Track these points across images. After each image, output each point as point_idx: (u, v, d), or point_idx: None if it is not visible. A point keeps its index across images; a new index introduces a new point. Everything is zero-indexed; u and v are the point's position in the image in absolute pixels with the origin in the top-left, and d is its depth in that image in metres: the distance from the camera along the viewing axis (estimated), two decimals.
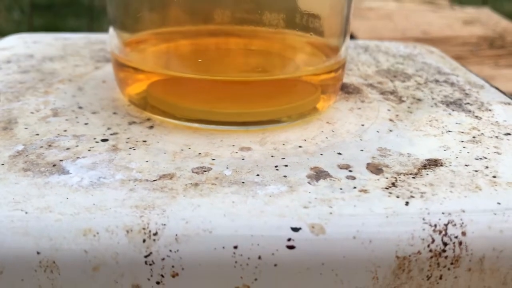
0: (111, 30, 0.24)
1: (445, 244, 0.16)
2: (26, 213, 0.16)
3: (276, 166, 0.19)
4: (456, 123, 0.23)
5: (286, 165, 0.19)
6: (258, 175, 0.18)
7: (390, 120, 0.23)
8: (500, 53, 0.80)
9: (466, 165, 0.19)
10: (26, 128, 0.21)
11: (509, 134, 0.22)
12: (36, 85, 0.26)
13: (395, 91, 0.27)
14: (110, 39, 0.24)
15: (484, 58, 0.79)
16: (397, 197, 0.17)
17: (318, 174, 0.18)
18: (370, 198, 0.17)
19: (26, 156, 0.19)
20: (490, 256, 0.16)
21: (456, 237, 0.16)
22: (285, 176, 0.18)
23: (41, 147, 0.20)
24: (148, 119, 0.23)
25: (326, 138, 0.21)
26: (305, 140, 0.21)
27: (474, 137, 0.22)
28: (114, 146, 0.20)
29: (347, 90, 0.27)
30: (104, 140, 0.20)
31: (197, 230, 0.15)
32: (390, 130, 0.22)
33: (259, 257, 0.15)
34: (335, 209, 0.16)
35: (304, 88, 0.23)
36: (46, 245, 0.15)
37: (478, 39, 0.81)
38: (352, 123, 0.23)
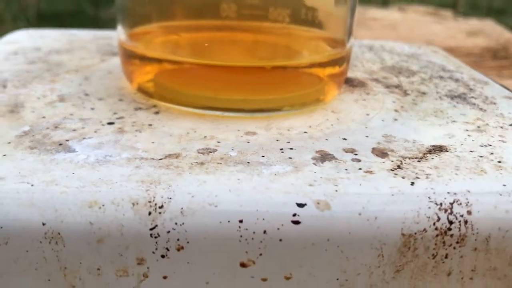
0: (119, 20, 0.24)
1: (450, 222, 0.16)
2: (32, 185, 0.16)
3: (281, 149, 0.19)
4: (461, 114, 0.23)
5: (291, 148, 0.19)
6: (263, 156, 0.18)
7: (395, 110, 0.23)
8: (503, 64, 0.81)
9: (471, 151, 0.19)
10: (32, 112, 0.21)
11: None
12: (42, 74, 0.26)
13: (399, 85, 0.27)
14: (118, 29, 0.24)
15: (487, 69, 0.80)
16: (403, 177, 0.17)
17: (323, 157, 0.18)
18: (375, 179, 0.17)
19: (33, 136, 0.19)
20: (496, 236, 0.16)
21: (461, 215, 0.16)
22: (290, 158, 0.18)
23: (48, 128, 0.20)
24: (154, 106, 0.23)
25: (331, 125, 0.21)
26: (310, 126, 0.21)
27: (479, 126, 0.22)
28: (120, 128, 0.20)
29: (351, 83, 0.27)
30: (110, 123, 0.21)
31: (202, 204, 0.15)
32: (395, 119, 0.22)
33: (264, 232, 0.15)
34: (340, 187, 0.16)
35: (308, 78, 0.23)
36: (51, 217, 0.15)
37: (481, 50, 0.82)
38: (357, 113, 0.23)
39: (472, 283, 0.16)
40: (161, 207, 0.15)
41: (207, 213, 0.15)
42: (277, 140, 0.20)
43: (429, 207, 0.16)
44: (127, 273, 0.16)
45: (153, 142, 0.19)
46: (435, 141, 0.20)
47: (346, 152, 0.19)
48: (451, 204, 0.16)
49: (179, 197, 0.15)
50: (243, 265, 0.16)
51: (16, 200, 0.15)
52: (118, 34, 0.25)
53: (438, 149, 0.19)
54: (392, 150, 0.19)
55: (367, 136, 0.20)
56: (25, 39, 0.33)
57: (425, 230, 0.16)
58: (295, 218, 0.15)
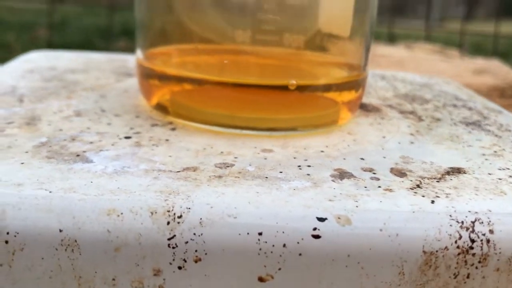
0: (139, 39, 0.25)
1: (472, 241, 0.15)
2: (50, 192, 0.16)
3: (299, 166, 0.19)
4: (477, 139, 0.23)
5: (309, 166, 0.19)
6: (281, 172, 0.18)
7: (411, 134, 0.23)
8: (511, 103, 0.81)
9: (489, 174, 0.19)
10: (49, 125, 0.22)
11: None
12: (58, 91, 0.27)
13: (414, 112, 0.27)
14: (136, 48, 0.25)
15: None
16: (423, 196, 0.17)
17: (342, 174, 0.18)
18: (395, 196, 0.17)
19: (50, 146, 0.19)
20: None
21: (483, 234, 0.16)
22: (308, 174, 0.18)
23: (65, 140, 0.20)
24: (171, 123, 0.23)
25: (348, 145, 0.21)
26: (327, 146, 0.21)
27: (495, 151, 0.22)
28: (137, 142, 0.20)
29: (366, 108, 0.27)
30: (127, 137, 0.21)
31: (221, 215, 0.15)
32: (412, 142, 0.22)
33: (284, 245, 0.15)
34: (360, 203, 0.16)
35: (324, 101, 0.24)
36: (68, 223, 0.15)
37: (488, 88, 0.82)
38: (373, 135, 0.23)
39: None
40: (180, 217, 0.15)
41: (226, 224, 0.15)
42: (294, 158, 0.20)
43: (451, 225, 0.16)
44: (142, 285, 0.15)
45: (170, 156, 0.19)
46: (452, 164, 0.20)
47: (365, 171, 0.19)
48: (473, 222, 0.16)
49: (198, 208, 0.15)
50: (261, 279, 0.15)
51: (34, 205, 0.15)
52: (136, 53, 0.25)
53: (456, 171, 0.19)
54: (410, 171, 0.19)
55: (384, 157, 0.20)
56: (41, 59, 0.34)
57: (446, 248, 0.15)
58: (316, 232, 0.15)
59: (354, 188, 0.17)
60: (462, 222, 0.16)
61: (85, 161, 0.18)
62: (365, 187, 0.17)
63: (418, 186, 0.18)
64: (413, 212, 0.16)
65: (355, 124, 0.24)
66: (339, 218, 0.15)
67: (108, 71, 0.32)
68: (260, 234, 0.15)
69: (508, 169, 0.20)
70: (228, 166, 0.18)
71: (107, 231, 0.15)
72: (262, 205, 0.16)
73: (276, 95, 0.22)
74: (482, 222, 0.16)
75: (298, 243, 0.15)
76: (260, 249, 0.15)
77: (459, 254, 0.15)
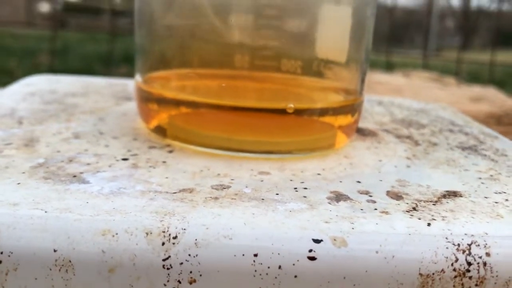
0: (138, 63, 0.25)
1: (469, 263, 0.15)
2: (45, 212, 0.16)
3: (295, 188, 0.19)
4: (473, 164, 0.23)
5: (305, 188, 0.19)
6: (277, 194, 0.18)
7: (407, 158, 0.23)
8: (508, 130, 0.81)
9: (485, 197, 0.19)
10: (47, 146, 0.22)
11: None
12: (58, 114, 0.27)
13: (410, 136, 0.27)
14: (135, 72, 0.25)
15: None
16: (419, 218, 0.17)
17: (338, 197, 0.18)
18: (391, 218, 0.17)
19: (47, 167, 0.19)
20: None
21: (480, 257, 0.15)
22: (304, 197, 0.18)
23: (62, 161, 0.20)
24: (168, 145, 0.23)
25: (345, 169, 0.21)
26: (323, 169, 0.21)
27: (491, 175, 0.22)
28: (134, 164, 0.20)
29: (363, 133, 0.27)
30: (124, 159, 0.21)
31: (217, 236, 0.15)
32: (408, 166, 0.22)
33: (279, 267, 0.15)
34: (356, 225, 0.16)
35: (321, 125, 0.24)
36: (63, 243, 0.15)
37: (485, 116, 0.83)
38: (369, 159, 0.23)
39: None
40: (175, 237, 0.15)
41: (222, 245, 0.15)
42: (291, 180, 0.20)
43: (447, 248, 0.16)
44: None
45: (167, 177, 0.19)
46: (449, 187, 0.20)
47: (361, 193, 0.19)
48: (469, 245, 0.16)
49: (194, 228, 0.15)
50: None
51: (29, 225, 0.15)
52: (135, 77, 0.25)
53: (453, 194, 0.19)
54: (406, 194, 0.19)
55: (381, 180, 0.20)
56: (42, 82, 0.34)
57: (443, 270, 0.15)
58: (311, 254, 0.15)
59: (350, 210, 0.17)
60: (459, 245, 0.16)
61: (82, 182, 0.18)
62: (361, 209, 0.17)
63: (414, 208, 0.18)
64: (409, 234, 0.16)
65: (352, 148, 0.24)
66: (335, 239, 0.15)
67: (108, 95, 0.32)
68: (255, 255, 0.15)
69: (505, 192, 0.20)
70: (224, 188, 0.18)
71: (102, 252, 0.15)
72: (258, 227, 0.16)
73: (273, 119, 0.23)
74: (479, 245, 0.16)
75: (293, 264, 0.15)
76: (256, 270, 0.15)
77: (455, 277, 0.15)
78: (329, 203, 0.18)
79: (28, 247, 0.15)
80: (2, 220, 0.15)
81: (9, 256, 0.15)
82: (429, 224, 0.16)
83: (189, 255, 0.15)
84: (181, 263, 0.15)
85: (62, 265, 0.15)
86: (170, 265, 0.15)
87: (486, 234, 0.16)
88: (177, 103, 0.23)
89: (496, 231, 0.16)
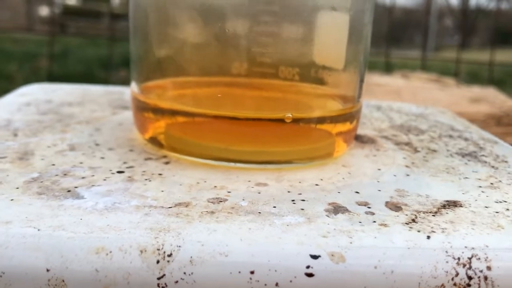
0: (133, 73, 0.25)
1: (469, 278, 0.15)
2: (38, 230, 0.15)
3: (293, 200, 0.19)
4: (473, 171, 0.23)
5: (303, 200, 0.19)
6: (274, 207, 0.18)
7: (407, 166, 0.23)
8: (507, 131, 0.81)
9: (486, 207, 0.19)
10: (42, 159, 0.21)
11: None
12: (53, 124, 0.27)
13: (409, 143, 0.27)
14: (131, 81, 0.25)
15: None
16: (418, 231, 0.17)
17: (336, 209, 0.18)
18: (390, 232, 0.16)
19: (41, 182, 0.19)
20: None
21: (481, 271, 0.15)
22: (302, 209, 0.18)
23: (57, 175, 0.20)
24: (165, 156, 0.23)
25: (343, 178, 0.21)
26: (321, 179, 0.21)
27: (492, 183, 0.21)
28: (129, 177, 0.20)
29: (361, 140, 0.27)
30: (120, 172, 0.20)
31: (212, 253, 0.15)
32: (407, 175, 0.22)
33: (276, 284, 0.15)
34: (355, 239, 0.16)
35: (319, 133, 0.23)
36: (56, 262, 0.15)
37: (485, 117, 0.82)
38: (368, 167, 0.23)
39: None
40: (170, 255, 0.15)
41: (217, 263, 0.15)
42: (289, 192, 0.19)
43: (447, 262, 0.15)
44: None
45: (162, 191, 0.19)
46: (448, 197, 0.20)
47: (359, 205, 0.18)
48: (470, 258, 0.15)
49: (189, 246, 0.15)
50: None
51: (21, 244, 0.15)
52: (131, 87, 0.25)
53: (453, 204, 0.19)
54: (405, 204, 0.19)
55: (379, 190, 0.20)
56: (38, 92, 0.34)
57: (443, 285, 0.15)
58: (309, 271, 0.15)
59: (348, 223, 0.17)
60: (459, 259, 0.15)
61: (76, 197, 0.18)
62: (360, 222, 0.17)
63: (413, 220, 0.17)
64: (408, 248, 0.16)
65: (350, 156, 0.24)
66: (332, 255, 0.15)
67: (105, 104, 0.32)
68: (252, 272, 0.15)
69: (505, 201, 0.20)
70: (221, 201, 0.18)
71: (96, 270, 0.15)
72: (255, 242, 0.15)
73: (271, 128, 0.22)
74: (479, 258, 0.15)
75: (291, 281, 0.15)
76: (252, 287, 0.15)
77: None
78: (327, 215, 0.17)
79: (20, 266, 0.15)
80: None
81: (0, 276, 0.14)
82: (428, 237, 0.16)
83: (184, 273, 0.15)
84: (176, 282, 0.15)
85: (55, 284, 0.15)
86: (165, 283, 0.15)
87: (487, 246, 0.16)
88: (173, 113, 0.23)
89: (497, 243, 0.16)
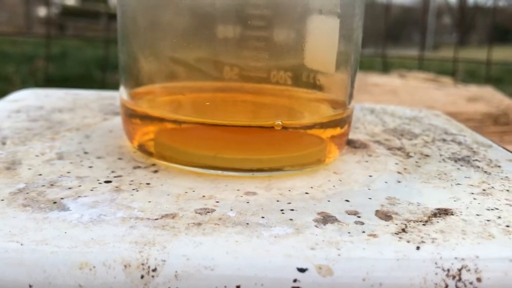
0: (122, 79, 0.24)
1: None
2: (21, 244, 0.15)
3: (281, 210, 0.18)
4: (465, 177, 0.23)
5: (292, 209, 0.18)
6: (263, 217, 0.18)
7: (398, 172, 0.23)
8: (505, 130, 0.81)
9: (477, 215, 0.19)
10: (29, 169, 0.21)
11: None
12: (43, 132, 0.26)
13: (402, 148, 0.27)
14: (120, 88, 0.25)
15: (489, 135, 0.80)
16: (408, 242, 0.16)
17: (325, 219, 0.18)
18: (379, 242, 0.16)
19: (27, 193, 0.19)
20: None
21: (471, 283, 0.15)
22: (291, 219, 0.18)
23: (43, 186, 0.19)
24: (153, 165, 0.22)
25: (333, 186, 0.21)
26: (311, 187, 0.21)
27: (484, 190, 0.21)
28: (117, 187, 0.20)
29: (353, 145, 0.27)
30: (107, 182, 0.20)
31: (198, 267, 0.15)
32: (399, 181, 0.22)
33: None
34: (343, 251, 0.16)
35: (310, 139, 0.23)
36: (39, 278, 0.14)
37: (482, 116, 0.82)
38: (359, 174, 0.22)
39: None
40: (154, 270, 0.15)
41: (203, 277, 0.15)
42: (278, 201, 0.19)
43: (436, 273, 0.15)
44: None
45: (149, 202, 0.18)
46: (440, 204, 0.19)
47: (349, 214, 0.18)
48: (459, 270, 0.15)
49: (174, 260, 0.15)
50: None
51: (3, 259, 0.15)
52: (120, 93, 0.25)
53: (443, 212, 0.19)
54: (396, 213, 0.18)
55: (370, 198, 0.20)
56: (29, 97, 0.33)
57: None
58: (296, 284, 0.15)
59: (337, 234, 0.17)
60: (448, 270, 0.15)
61: (62, 209, 0.18)
62: (349, 232, 0.17)
63: (403, 230, 0.17)
64: (397, 260, 0.15)
65: (342, 162, 0.24)
66: (320, 268, 0.15)
67: (96, 110, 0.32)
68: (238, 287, 0.14)
69: (497, 209, 0.19)
70: (208, 212, 0.18)
71: (79, 286, 0.14)
72: (241, 256, 0.15)
73: (261, 135, 0.22)
74: (469, 270, 0.15)
75: None
76: None
77: None
78: (316, 226, 0.17)
79: (2, 281, 0.14)
80: None
81: None
82: (418, 248, 0.16)
83: (169, 287, 0.14)
84: None
85: None
86: None
87: (477, 257, 0.16)
88: (162, 120, 0.23)
89: (488, 253, 0.16)
